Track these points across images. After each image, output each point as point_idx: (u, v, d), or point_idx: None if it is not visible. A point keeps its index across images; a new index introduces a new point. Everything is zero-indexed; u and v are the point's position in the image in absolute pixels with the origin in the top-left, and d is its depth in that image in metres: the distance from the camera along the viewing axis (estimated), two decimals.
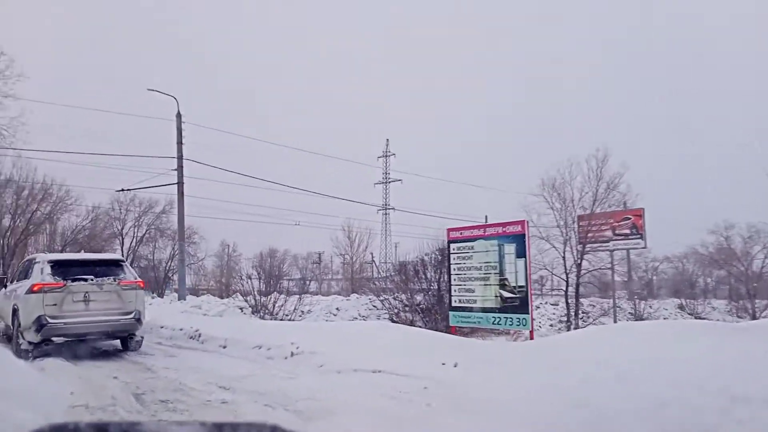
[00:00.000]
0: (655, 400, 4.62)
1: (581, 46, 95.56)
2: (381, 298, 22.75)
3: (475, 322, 11.73)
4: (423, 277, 21.22)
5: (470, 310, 11.64)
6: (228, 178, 33.04)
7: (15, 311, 9.60)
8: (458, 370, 6.79)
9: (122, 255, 44.82)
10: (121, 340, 10.00)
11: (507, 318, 11.26)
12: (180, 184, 21.48)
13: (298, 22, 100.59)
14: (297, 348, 8.56)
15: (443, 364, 6.95)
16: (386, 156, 68.14)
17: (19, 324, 9.19)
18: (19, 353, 8.90)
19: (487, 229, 12.00)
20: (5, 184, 31.45)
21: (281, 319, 19.12)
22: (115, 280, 9.53)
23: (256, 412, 5.62)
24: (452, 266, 12.60)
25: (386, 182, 68.42)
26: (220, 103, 74.19)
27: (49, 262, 9.62)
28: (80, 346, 9.62)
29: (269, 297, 19.84)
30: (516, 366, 6.54)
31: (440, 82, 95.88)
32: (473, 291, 11.40)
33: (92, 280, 9.33)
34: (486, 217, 45.26)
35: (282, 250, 52.45)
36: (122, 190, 23.96)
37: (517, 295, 11.13)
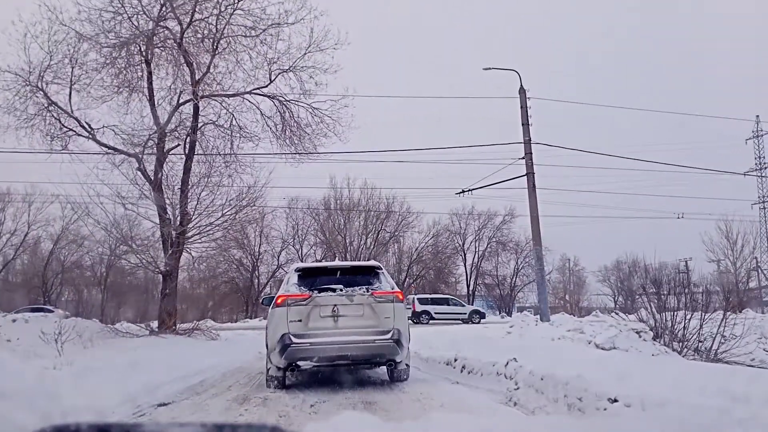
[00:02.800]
0: None
1: None
2: None
3: None
4: None
5: None
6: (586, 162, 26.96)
7: (266, 331, 8.65)
8: None
9: (465, 272, 43.73)
10: (387, 370, 8.57)
11: None
12: (530, 174, 17.35)
13: None
14: None
15: None
16: (758, 136, 55.37)
17: (266, 345, 8.32)
18: (268, 381, 8.11)
19: None
20: (353, 208, 32.38)
21: (700, 351, 12.93)
22: (367, 290, 8.13)
23: None
24: None
25: (761, 168, 55.46)
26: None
27: (296, 270, 8.66)
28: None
29: (673, 315, 13.86)
30: None
31: None
32: None
33: (341, 290, 8.08)
34: None
35: (630, 260, 45.10)
36: (462, 192, 20.83)
37: None
